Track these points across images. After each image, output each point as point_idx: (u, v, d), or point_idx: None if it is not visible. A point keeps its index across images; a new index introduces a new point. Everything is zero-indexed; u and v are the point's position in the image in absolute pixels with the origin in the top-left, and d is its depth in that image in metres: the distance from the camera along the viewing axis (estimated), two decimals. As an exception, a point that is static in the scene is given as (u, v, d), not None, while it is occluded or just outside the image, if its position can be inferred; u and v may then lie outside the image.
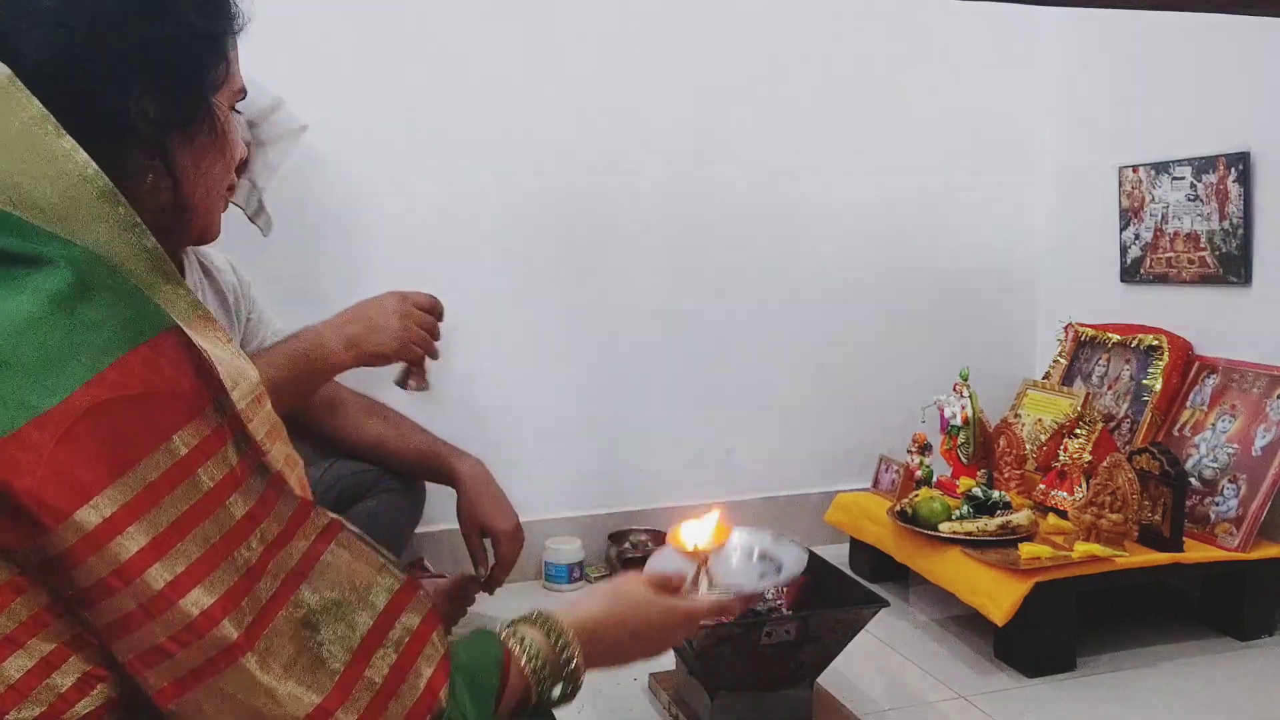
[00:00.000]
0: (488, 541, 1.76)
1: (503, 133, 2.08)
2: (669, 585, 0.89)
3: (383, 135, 2.02)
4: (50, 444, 0.54)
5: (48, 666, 0.56)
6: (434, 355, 1.53)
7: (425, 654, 0.66)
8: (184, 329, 0.61)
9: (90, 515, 0.54)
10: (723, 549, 0.96)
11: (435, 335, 1.52)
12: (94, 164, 0.62)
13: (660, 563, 0.94)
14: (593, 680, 1.73)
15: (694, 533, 0.94)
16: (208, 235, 0.79)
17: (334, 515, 0.66)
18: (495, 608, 1.94)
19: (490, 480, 1.77)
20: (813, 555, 1.68)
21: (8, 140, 0.61)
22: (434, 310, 1.51)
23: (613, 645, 0.82)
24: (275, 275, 1.78)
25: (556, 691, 0.76)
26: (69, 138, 0.62)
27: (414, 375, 1.52)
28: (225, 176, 0.77)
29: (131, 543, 0.55)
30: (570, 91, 2.11)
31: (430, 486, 1.85)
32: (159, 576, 0.56)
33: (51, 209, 0.61)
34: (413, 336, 1.45)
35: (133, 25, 0.67)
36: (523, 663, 0.74)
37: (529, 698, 0.75)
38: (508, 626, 0.78)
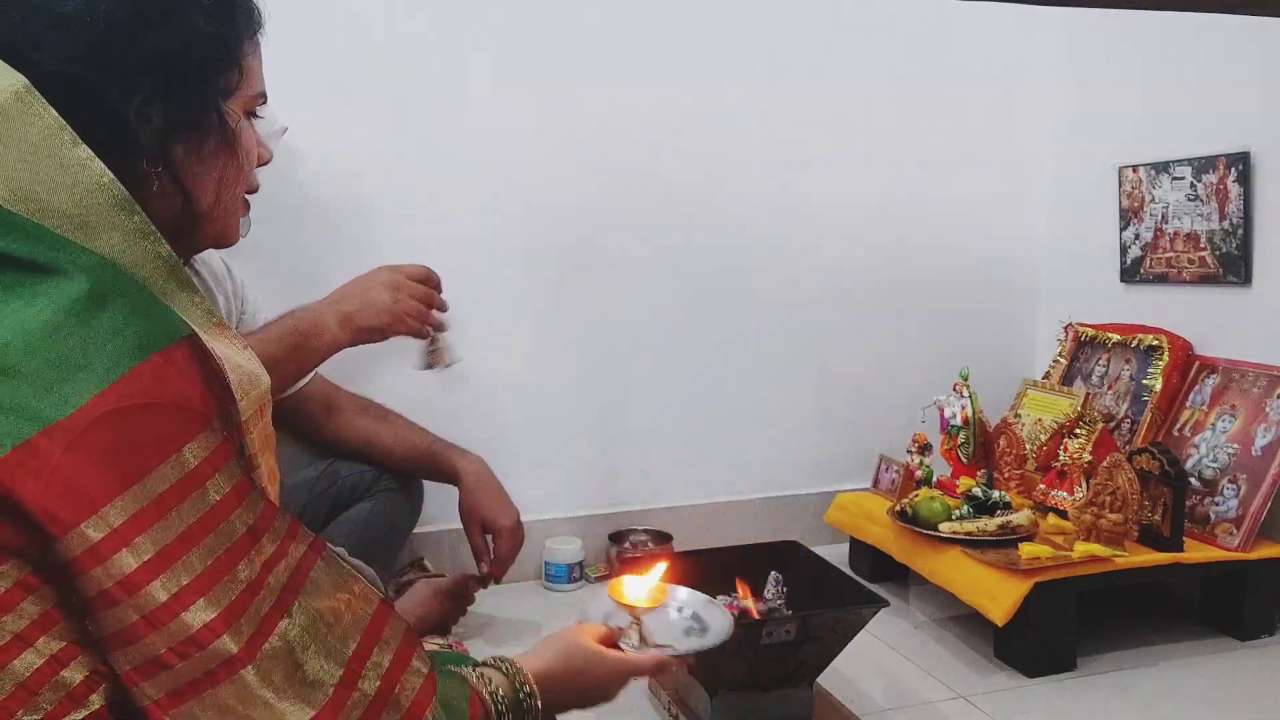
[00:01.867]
0: (489, 537, 1.77)
1: (504, 134, 2.08)
2: (610, 639, 0.96)
3: (384, 137, 2.02)
4: (58, 453, 0.54)
5: (57, 664, 0.56)
6: (439, 327, 1.49)
7: (411, 669, 0.68)
8: (200, 336, 0.62)
9: (96, 528, 0.54)
10: (658, 609, 1.02)
11: (436, 305, 1.48)
12: (109, 172, 0.62)
13: (594, 607, 1.02)
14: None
15: (634, 588, 1.01)
16: (225, 240, 0.78)
17: (313, 533, 0.67)
18: (495, 607, 1.95)
19: (491, 476, 1.77)
20: (813, 555, 1.69)
21: (25, 149, 0.61)
22: (428, 281, 1.47)
23: (563, 694, 0.88)
24: (274, 275, 1.78)
25: None
26: (85, 146, 0.62)
27: (432, 354, 1.49)
28: (238, 182, 0.76)
29: (135, 556, 0.55)
30: (571, 93, 2.11)
31: (429, 486, 1.86)
32: (163, 589, 0.56)
33: (68, 217, 0.61)
34: (405, 308, 1.42)
35: (137, 31, 0.66)
36: (490, 705, 0.79)
37: None
38: (476, 671, 0.82)
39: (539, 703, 0.83)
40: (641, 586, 1.01)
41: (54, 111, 0.62)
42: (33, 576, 0.56)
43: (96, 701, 0.58)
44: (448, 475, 1.76)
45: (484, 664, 0.84)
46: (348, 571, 0.68)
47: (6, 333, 0.56)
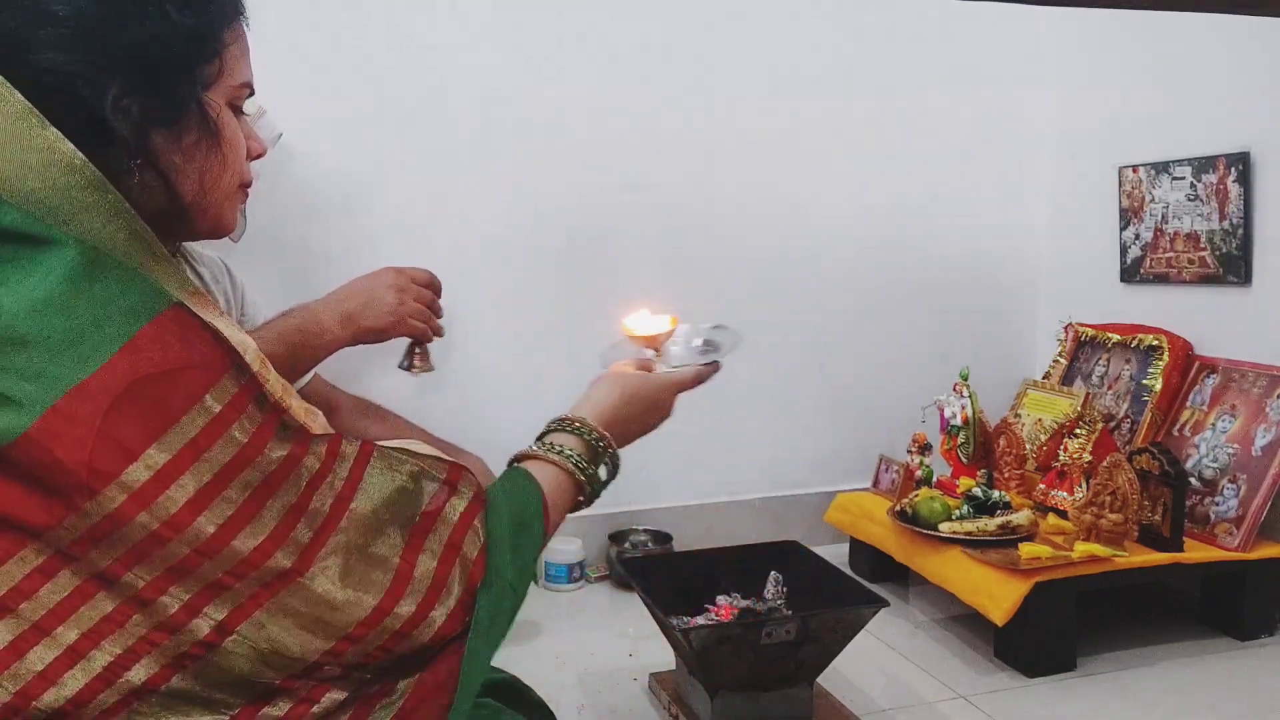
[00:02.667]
0: None
1: (503, 133, 2.08)
2: (648, 367, 1.02)
3: (383, 133, 2.02)
4: (89, 411, 0.56)
5: (74, 655, 0.58)
6: (438, 333, 1.49)
7: (468, 540, 0.71)
8: (185, 303, 0.63)
9: (139, 473, 0.57)
10: (671, 336, 1.09)
11: (435, 311, 1.48)
12: (80, 154, 0.62)
13: (616, 353, 1.07)
14: (593, 680, 1.73)
15: (648, 323, 1.07)
16: (220, 229, 0.78)
17: (360, 440, 0.70)
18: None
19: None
20: (813, 555, 1.69)
21: None
22: (431, 285, 1.47)
23: (627, 424, 0.93)
24: (274, 276, 1.78)
25: (603, 474, 0.87)
26: (53, 129, 0.62)
27: (417, 356, 1.49)
28: (225, 173, 0.75)
29: (180, 494, 0.58)
30: (572, 92, 2.11)
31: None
32: (209, 523, 0.59)
33: (41, 201, 0.61)
34: (409, 310, 1.42)
35: (110, 24, 0.66)
36: (569, 468, 0.84)
37: (582, 493, 0.85)
38: (541, 442, 0.87)
39: (611, 443, 0.88)
40: (655, 319, 1.06)
41: (19, 95, 0.61)
42: (51, 560, 0.57)
43: (111, 697, 0.59)
44: None
45: (551, 430, 0.87)
46: (400, 460, 0.70)
47: (13, 304, 0.58)
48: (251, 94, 0.78)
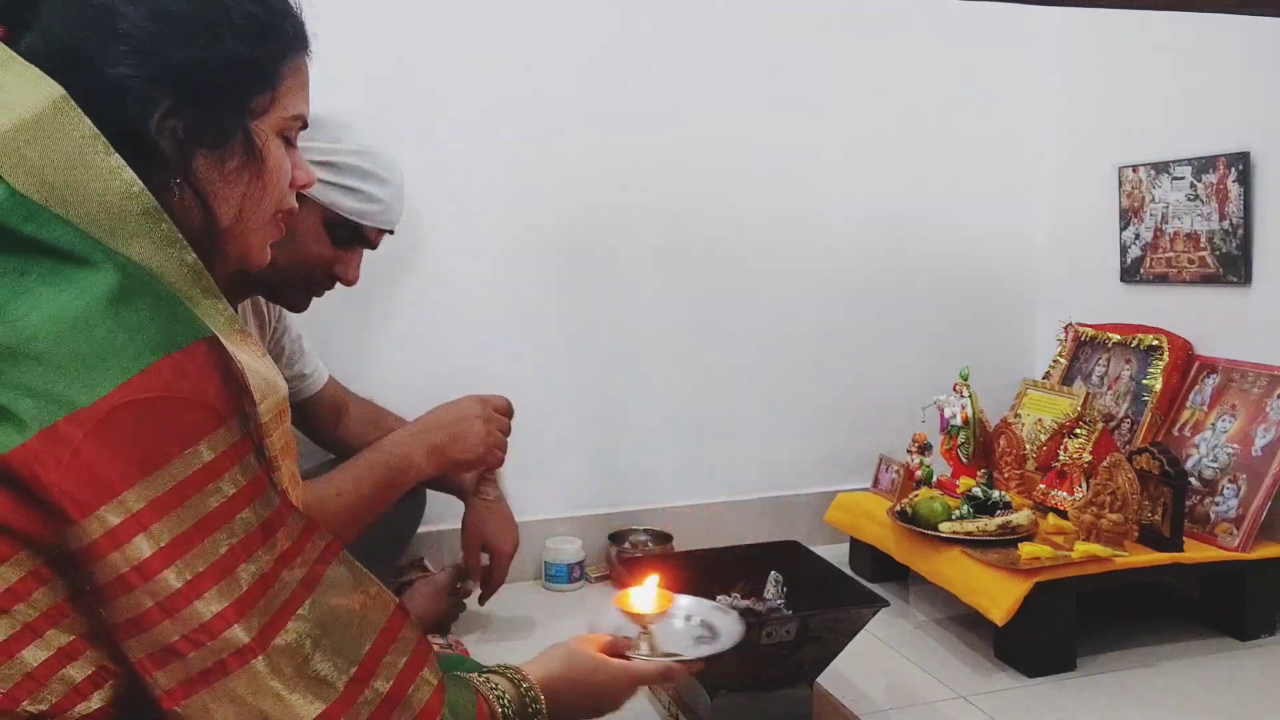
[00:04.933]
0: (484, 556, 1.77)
1: (506, 139, 2.08)
2: (616, 648, 0.98)
3: (385, 139, 2.01)
4: (81, 439, 0.56)
5: (64, 657, 0.58)
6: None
7: (421, 678, 0.69)
8: (221, 340, 0.63)
9: (115, 512, 0.56)
10: (665, 616, 1.02)
11: (507, 434, 1.52)
12: (139, 182, 0.64)
13: (603, 620, 1.03)
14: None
15: (640, 598, 1.01)
16: (249, 261, 0.78)
17: (332, 535, 0.69)
18: (495, 607, 1.95)
19: (500, 498, 1.78)
20: (813, 555, 1.69)
21: (59, 157, 0.62)
22: (509, 413, 1.51)
23: (569, 703, 0.90)
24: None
25: None
26: (117, 155, 0.63)
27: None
28: (264, 202, 0.75)
29: (152, 541, 0.57)
30: (571, 94, 2.11)
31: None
32: (176, 576, 0.57)
33: (97, 222, 0.62)
34: (496, 441, 1.45)
35: (167, 44, 0.67)
36: (497, 709, 0.81)
37: None
38: (480, 675, 0.85)
39: (545, 709, 0.85)
40: (647, 596, 1.01)
41: (89, 121, 0.63)
42: (46, 568, 0.57)
43: (98, 700, 0.59)
44: (455, 489, 1.77)
45: (490, 670, 0.85)
46: (364, 573, 0.69)
47: (38, 320, 0.58)
48: (304, 126, 0.78)
